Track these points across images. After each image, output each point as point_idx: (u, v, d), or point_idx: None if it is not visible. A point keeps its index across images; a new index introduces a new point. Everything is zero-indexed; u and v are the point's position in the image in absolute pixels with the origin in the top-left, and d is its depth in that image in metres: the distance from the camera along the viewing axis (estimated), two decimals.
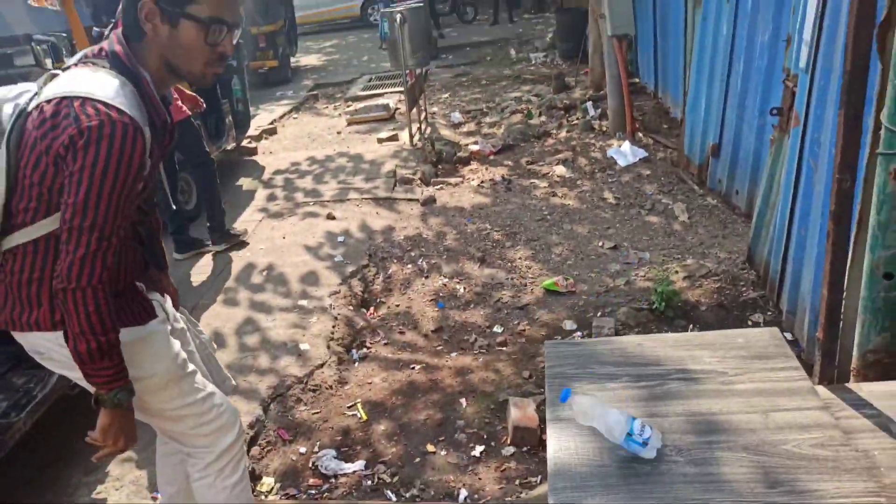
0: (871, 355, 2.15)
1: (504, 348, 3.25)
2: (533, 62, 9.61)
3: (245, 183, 5.71)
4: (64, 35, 3.03)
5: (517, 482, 2.39)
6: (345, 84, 9.52)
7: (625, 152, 5.33)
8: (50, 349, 1.54)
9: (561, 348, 1.99)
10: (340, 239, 4.37)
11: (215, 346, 2.28)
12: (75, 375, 1.54)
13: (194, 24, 1.43)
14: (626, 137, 5.54)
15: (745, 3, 3.96)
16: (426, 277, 3.93)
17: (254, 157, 6.42)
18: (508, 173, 5.37)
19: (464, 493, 2.37)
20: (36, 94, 1.48)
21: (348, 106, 8.09)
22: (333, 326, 3.41)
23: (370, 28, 14.13)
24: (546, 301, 3.60)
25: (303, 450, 2.64)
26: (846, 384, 1.88)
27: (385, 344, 3.38)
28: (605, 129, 5.93)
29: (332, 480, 2.49)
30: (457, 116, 7.08)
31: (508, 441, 2.59)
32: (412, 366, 3.15)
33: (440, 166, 5.63)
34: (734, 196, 4.39)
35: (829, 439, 1.48)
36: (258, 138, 7.04)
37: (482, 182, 5.26)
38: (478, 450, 2.57)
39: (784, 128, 3.30)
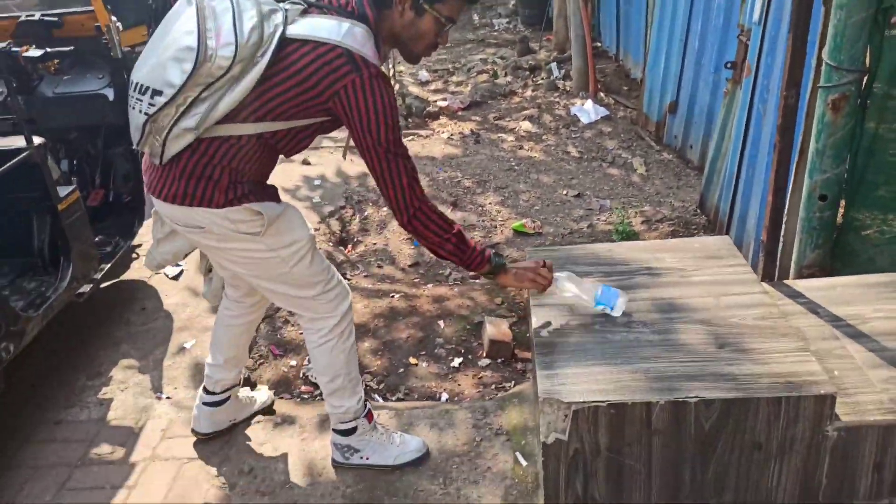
0: (805, 270, 2.46)
1: (477, 281, 3.48)
2: (496, 27, 9.76)
3: None
4: None
5: (493, 387, 2.64)
6: None
7: (587, 110, 5.58)
8: (213, 223, 1.76)
9: (541, 252, 2.23)
10: (317, 182, 4.52)
11: None
12: (229, 247, 1.83)
13: (434, 18, 1.74)
14: (589, 96, 5.79)
15: None
16: None
17: None
18: (477, 127, 5.57)
19: (444, 395, 2.60)
20: (286, 19, 1.65)
21: None
22: None
23: None
24: (515, 241, 3.84)
25: (293, 363, 2.83)
26: (784, 281, 2.17)
27: (365, 276, 3.57)
28: (568, 88, 6.18)
29: None
30: (424, 75, 7.22)
31: (484, 354, 2.83)
32: (392, 294, 3.35)
33: (410, 120, 5.79)
34: (689, 151, 4.70)
35: (769, 314, 1.75)
36: None
37: (452, 135, 5.45)
38: (456, 361, 2.81)
39: (737, 79, 3.59)
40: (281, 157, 1.87)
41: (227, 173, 1.72)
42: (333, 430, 2.13)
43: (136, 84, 1.69)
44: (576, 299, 1.82)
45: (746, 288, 1.88)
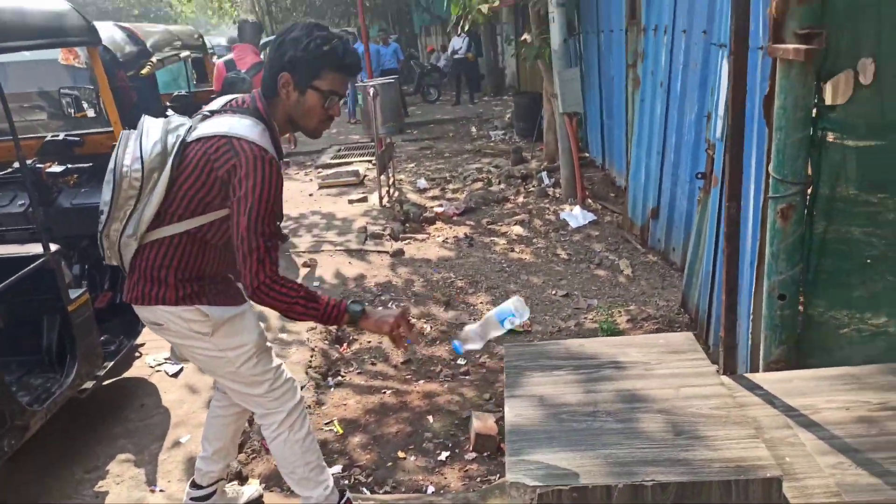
0: (773, 365, 2.60)
1: (467, 377, 3.60)
2: (493, 139, 10.33)
3: None
4: (90, 88, 3.44)
5: (478, 480, 2.71)
6: (315, 153, 10.05)
7: (576, 216, 5.88)
8: (169, 320, 1.96)
9: (517, 348, 2.37)
10: (316, 283, 4.73)
11: None
12: (186, 344, 2.02)
13: (317, 94, 1.92)
14: (577, 203, 6.10)
15: (675, 86, 4.62)
16: None
17: None
18: (470, 231, 5.85)
19: (431, 488, 2.67)
20: (191, 128, 1.92)
21: (319, 172, 8.57)
22: (311, 356, 3.72)
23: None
24: (504, 338, 3.98)
25: None
26: (744, 374, 2.31)
27: (358, 373, 3.70)
28: (558, 195, 6.51)
29: None
30: (422, 183, 7.61)
31: (471, 448, 2.92)
32: (383, 391, 3.47)
33: (407, 224, 6.08)
34: (671, 253, 4.93)
35: (724, 404, 1.88)
36: None
37: (446, 239, 5.71)
38: (444, 455, 2.89)
39: (707, 189, 3.86)
40: (283, 258, 2.07)
41: (172, 272, 1.93)
42: None
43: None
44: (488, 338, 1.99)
45: (705, 380, 2.01)
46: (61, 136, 3.42)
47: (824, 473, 1.71)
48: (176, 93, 6.58)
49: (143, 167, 1.86)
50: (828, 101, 2.28)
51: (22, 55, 3.54)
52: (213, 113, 1.97)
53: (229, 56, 6.23)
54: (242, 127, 1.87)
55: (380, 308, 2.06)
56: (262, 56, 6.04)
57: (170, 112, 5.65)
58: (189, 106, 6.23)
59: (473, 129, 11.16)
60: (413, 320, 2.06)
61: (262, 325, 2.16)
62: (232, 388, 2.14)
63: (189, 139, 1.91)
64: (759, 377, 2.19)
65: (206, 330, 1.97)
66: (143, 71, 4.59)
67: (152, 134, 1.90)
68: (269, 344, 2.16)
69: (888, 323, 2.48)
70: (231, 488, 2.47)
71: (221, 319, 1.98)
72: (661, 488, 1.62)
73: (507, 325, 1.96)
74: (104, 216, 1.91)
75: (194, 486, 2.35)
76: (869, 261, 2.47)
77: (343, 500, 2.24)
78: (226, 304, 2.02)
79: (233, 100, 2.00)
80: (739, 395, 2.07)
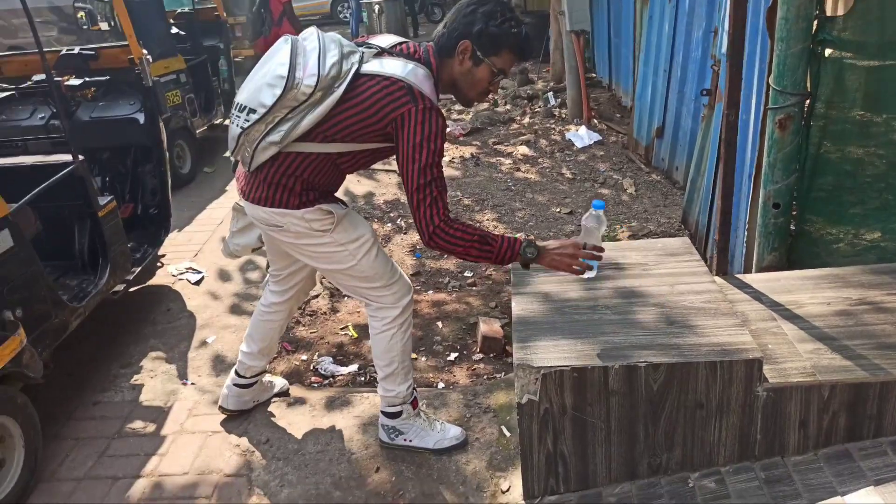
0: (764, 271, 2.75)
1: (474, 287, 3.78)
2: None
3: None
4: (105, 2, 3.48)
5: (485, 377, 2.92)
6: None
7: (581, 136, 5.93)
8: (290, 223, 2.06)
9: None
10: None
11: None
12: (304, 243, 2.12)
13: (489, 69, 1.99)
14: (583, 123, 6.15)
15: (683, 3, 4.59)
16: (404, 234, 4.45)
17: None
18: (477, 151, 5.92)
19: (441, 384, 2.88)
20: (362, 59, 1.96)
21: None
22: None
23: (340, 24, 14.60)
24: None
25: (304, 357, 3.13)
26: (734, 275, 2.46)
27: None
28: (564, 116, 6.54)
29: (331, 379, 2.98)
30: None
31: (478, 350, 3.12)
32: None
33: None
34: (675, 172, 5.02)
35: (715, 299, 2.04)
36: None
37: (453, 158, 5.79)
38: (452, 356, 3.09)
39: (712, 105, 3.92)
40: None
41: (300, 183, 2.03)
42: (382, 411, 2.39)
43: (237, 104, 2.02)
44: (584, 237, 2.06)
45: (698, 279, 2.17)
46: (76, 49, 3.48)
47: (802, 358, 1.88)
48: (179, 10, 6.53)
49: (316, 84, 1.89)
50: (829, 13, 2.34)
51: None
52: (383, 50, 2.00)
53: None
54: (418, 77, 1.92)
55: (551, 242, 2.06)
56: None
57: (174, 29, 5.61)
58: (193, 24, 6.20)
59: None
60: (588, 246, 2.02)
61: None
62: (349, 283, 2.23)
63: (363, 71, 1.94)
64: (749, 277, 2.35)
65: (327, 227, 2.07)
66: None
67: (331, 53, 1.92)
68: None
69: (879, 238, 2.62)
70: (266, 378, 2.67)
71: (342, 215, 2.09)
72: (653, 368, 1.80)
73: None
74: (255, 116, 1.93)
75: (237, 374, 2.54)
76: (867, 178, 2.58)
77: (412, 398, 2.39)
78: (338, 202, 2.13)
79: (404, 43, 2.05)
80: (730, 293, 2.23)
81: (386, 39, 2.08)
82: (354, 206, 4.81)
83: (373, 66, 1.95)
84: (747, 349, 1.80)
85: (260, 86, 1.95)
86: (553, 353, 1.86)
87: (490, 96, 2.10)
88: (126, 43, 3.27)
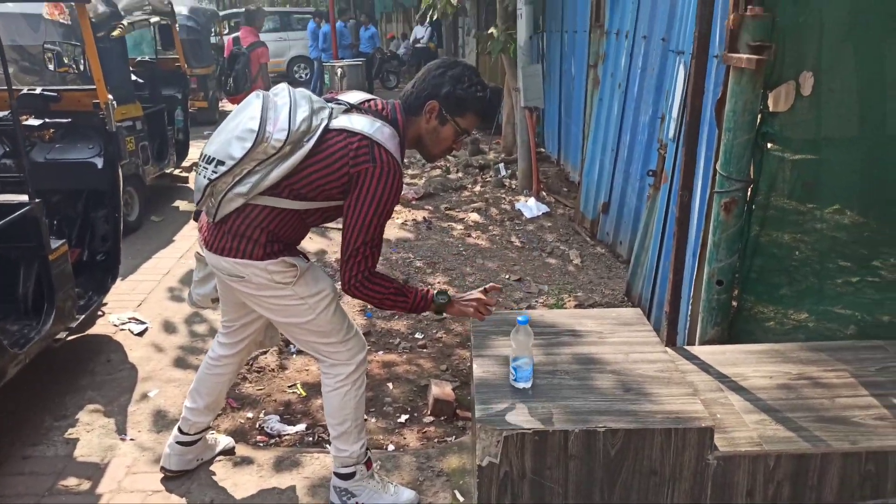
0: (707, 344, 2.88)
1: (424, 349, 3.79)
2: None
3: (181, 205, 6.06)
4: (76, 44, 3.46)
5: (436, 441, 2.90)
6: None
7: (530, 207, 6.13)
8: (252, 273, 2.06)
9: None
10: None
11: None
12: (264, 295, 2.11)
13: (453, 129, 2.10)
14: (532, 195, 6.36)
15: (633, 88, 4.90)
16: None
17: (186, 184, 6.77)
18: (429, 216, 6.03)
19: (391, 447, 2.85)
20: (331, 114, 2.01)
21: None
22: None
23: (294, 83, 14.78)
24: (460, 317, 4.19)
25: (250, 415, 3.04)
26: (683, 346, 2.57)
27: None
28: (514, 186, 6.75)
29: (277, 438, 2.91)
30: None
31: (429, 412, 3.11)
32: None
33: None
34: (619, 246, 5.22)
35: (667, 368, 2.13)
36: (189, 169, 7.39)
37: (406, 221, 5.87)
38: (403, 418, 3.07)
39: (657, 185, 4.15)
40: None
41: (265, 234, 2.04)
42: (334, 473, 2.34)
43: (205, 155, 2.04)
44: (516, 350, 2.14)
45: (650, 348, 2.26)
46: (38, 90, 3.43)
47: (749, 428, 1.97)
48: (140, 58, 6.54)
49: (286, 139, 1.93)
50: (771, 108, 2.55)
51: (5, 6, 3.51)
52: (352, 107, 2.06)
53: (236, 34, 8.58)
54: (384, 136, 1.98)
55: (459, 295, 2.19)
56: (259, 36, 8.29)
57: (133, 77, 5.61)
58: (154, 72, 6.20)
59: None
60: (493, 284, 2.27)
61: None
62: (305, 338, 2.22)
63: (331, 126, 1.99)
64: (697, 349, 2.46)
65: (289, 279, 2.06)
66: (115, 33, 4.59)
67: (301, 109, 1.97)
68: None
69: (807, 319, 2.79)
70: (210, 435, 2.58)
71: (304, 268, 2.10)
72: (611, 434, 1.85)
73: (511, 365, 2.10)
74: (223, 168, 1.96)
75: (180, 431, 2.45)
76: (795, 262, 2.77)
77: (366, 459, 2.35)
78: (301, 261, 2.13)
79: (372, 100, 2.11)
80: (680, 363, 2.32)
81: (354, 96, 2.15)
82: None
83: (341, 122, 2.01)
84: (700, 417, 1.87)
85: (230, 139, 1.98)
86: (514, 416, 1.89)
87: (451, 151, 2.21)
88: (93, 87, 3.25)
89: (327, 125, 2.00)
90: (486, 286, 2.27)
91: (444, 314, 2.20)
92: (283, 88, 2.07)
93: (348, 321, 2.27)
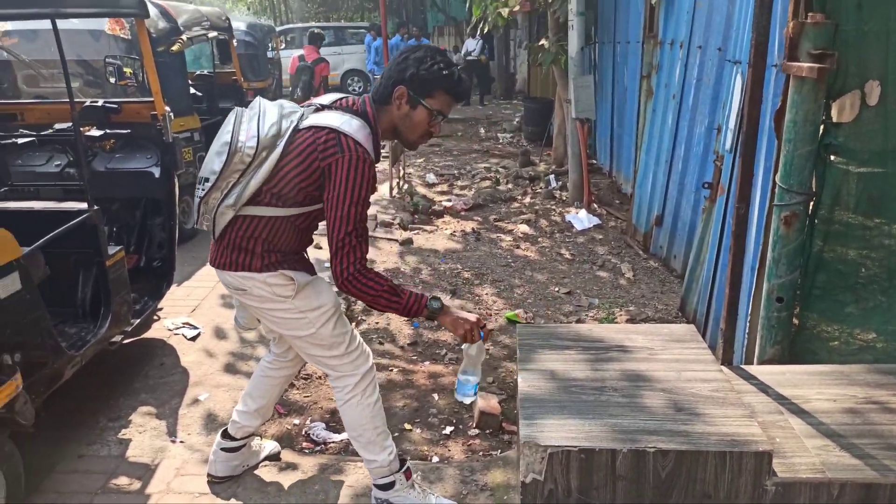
0: (766, 364, 2.76)
1: None
2: (501, 141, 10.49)
3: None
4: (135, 58, 3.59)
5: (481, 454, 2.86)
6: None
7: (581, 219, 6.04)
8: (254, 286, 2.11)
9: (530, 329, 2.54)
10: (326, 265, 4.86)
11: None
12: (267, 308, 2.15)
13: (426, 111, 2.09)
14: (583, 206, 6.27)
15: (687, 99, 4.78)
16: None
17: None
18: (478, 227, 6.00)
19: (436, 458, 2.82)
20: (303, 116, 2.07)
21: None
22: None
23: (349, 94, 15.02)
24: (507, 329, 4.14)
25: (296, 421, 3.06)
26: (740, 366, 2.47)
27: None
28: (564, 198, 6.67)
29: (322, 445, 2.92)
30: (431, 177, 7.77)
31: (474, 425, 3.07)
32: (390, 368, 3.62)
33: (417, 216, 6.23)
34: (672, 260, 5.09)
35: (722, 388, 2.04)
36: None
37: (454, 232, 5.87)
38: (448, 430, 3.04)
39: (713, 198, 4.03)
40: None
41: (260, 244, 2.08)
42: (374, 484, 2.34)
43: (199, 177, 2.12)
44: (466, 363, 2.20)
45: (705, 367, 2.17)
46: (100, 102, 3.57)
47: (811, 453, 1.87)
48: (198, 72, 6.74)
49: (257, 145, 1.99)
50: (835, 119, 2.44)
51: (69, 23, 3.67)
52: (323, 107, 2.10)
53: (301, 52, 10.33)
54: (351, 127, 2.01)
55: (457, 307, 2.20)
56: (320, 53, 9.83)
57: (192, 90, 5.79)
58: (212, 86, 6.38)
59: (482, 130, 11.32)
60: (487, 325, 2.23)
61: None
62: (309, 351, 2.25)
63: (300, 126, 2.05)
64: (755, 369, 2.36)
65: (288, 293, 2.10)
66: (174, 48, 4.74)
67: (269, 116, 2.04)
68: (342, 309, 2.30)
69: (875, 339, 2.65)
70: (256, 441, 2.61)
71: (303, 282, 2.13)
72: (661, 455, 1.78)
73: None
74: (209, 184, 2.04)
75: (226, 436, 2.47)
76: (862, 280, 2.64)
77: (404, 468, 2.34)
78: (304, 270, 2.17)
79: (343, 98, 2.15)
80: (736, 383, 2.23)
81: (328, 97, 2.18)
82: None
83: (310, 121, 2.05)
84: (757, 441, 1.79)
85: (212, 156, 2.06)
86: (560, 433, 1.84)
87: (431, 136, 2.17)
88: (151, 99, 3.35)
89: (297, 126, 2.05)
90: (484, 324, 2.21)
91: (438, 320, 2.15)
92: (256, 101, 2.12)
93: (352, 334, 2.28)
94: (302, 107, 2.14)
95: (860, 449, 1.87)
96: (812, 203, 2.58)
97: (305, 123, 2.05)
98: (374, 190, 2.04)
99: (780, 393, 2.18)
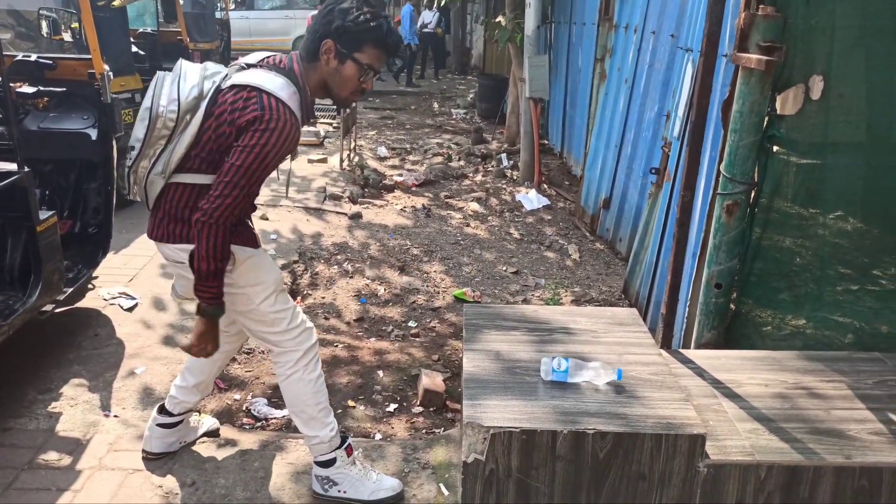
0: (703, 348, 2.84)
1: (417, 338, 3.75)
2: (454, 116, 10.44)
3: None
4: (73, 12, 3.39)
5: (424, 432, 2.87)
6: None
7: (531, 198, 6.07)
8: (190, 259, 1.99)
9: (476, 308, 2.54)
10: (273, 237, 4.77)
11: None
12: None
13: (355, 65, 2.00)
14: (533, 186, 6.31)
15: (639, 84, 4.83)
16: (350, 278, 4.40)
17: None
18: (428, 203, 5.97)
19: (378, 436, 2.82)
20: (226, 76, 1.98)
21: None
22: None
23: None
24: (455, 307, 4.15)
25: (237, 397, 3.01)
26: (679, 349, 2.53)
27: None
28: (515, 177, 6.70)
29: (264, 421, 2.87)
30: (383, 151, 7.68)
31: (418, 403, 3.07)
32: (335, 344, 3.59)
33: (367, 190, 6.16)
34: (618, 243, 5.18)
35: (660, 371, 2.09)
36: None
37: (404, 207, 5.82)
38: (392, 407, 3.04)
39: (660, 183, 4.10)
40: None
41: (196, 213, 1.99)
42: (314, 461, 2.31)
43: (126, 146, 2.04)
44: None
45: (645, 350, 2.22)
46: (33, 57, 3.37)
47: (741, 437, 1.94)
48: (141, 30, 6.44)
49: (178, 109, 1.92)
50: (779, 111, 2.50)
51: None
52: (248, 66, 2.02)
53: (313, 13, 9.77)
54: (275, 84, 1.93)
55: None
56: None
57: (134, 48, 5.55)
58: (155, 45, 6.12)
59: (436, 105, 11.24)
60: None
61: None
62: (250, 326, 2.20)
63: (223, 87, 1.97)
64: (691, 353, 2.42)
65: (228, 267, 2.02)
66: (115, 3, 4.51)
67: (190, 78, 1.96)
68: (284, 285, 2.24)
69: (805, 325, 2.75)
70: (193, 417, 2.55)
71: (244, 257, 2.06)
72: (600, 436, 1.81)
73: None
74: (135, 152, 1.98)
75: (163, 412, 2.41)
76: (796, 267, 2.73)
77: (345, 445, 2.31)
78: (245, 244, 2.09)
79: (269, 57, 2.06)
80: (674, 367, 2.28)
81: (255, 56, 2.11)
82: (301, 245, 4.75)
83: (233, 80, 1.98)
84: (692, 424, 1.84)
85: (137, 124, 2.00)
86: (503, 414, 1.86)
87: (364, 92, 2.10)
88: (88, 56, 3.18)
89: (219, 86, 1.99)
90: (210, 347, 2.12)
91: (197, 316, 2.05)
92: (178, 64, 2.05)
93: (294, 310, 2.23)
94: (227, 69, 2.06)
95: (787, 433, 1.94)
96: (753, 192, 2.65)
97: (228, 83, 1.97)
98: (290, 151, 1.98)
99: (715, 377, 2.24)
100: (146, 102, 1.97)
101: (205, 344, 2.06)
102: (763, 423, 1.99)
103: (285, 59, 2.05)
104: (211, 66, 2.04)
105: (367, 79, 2.05)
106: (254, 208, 2.20)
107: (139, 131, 1.97)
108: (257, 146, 1.88)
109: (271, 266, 2.20)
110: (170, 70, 2.07)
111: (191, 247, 2.00)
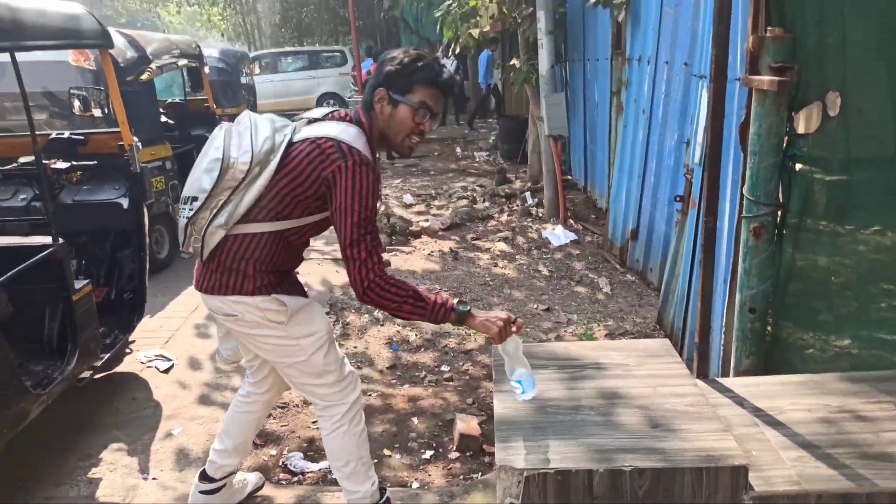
0: (742, 375, 2.76)
1: (450, 383, 3.72)
2: (477, 159, 10.53)
3: None
4: (101, 89, 3.56)
5: (461, 477, 2.82)
6: None
7: (558, 235, 6.06)
8: (245, 310, 2.03)
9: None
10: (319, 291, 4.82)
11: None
12: (258, 334, 2.09)
13: (408, 108, 2.02)
14: (560, 222, 6.29)
15: (656, 113, 4.84)
16: (381, 326, 4.41)
17: None
18: (455, 246, 5.99)
19: (416, 484, 2.78)
20: (295, 130, 2.03)
21: None
22: None
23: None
24: (487, 348, 4.12)
25: (273, 452, 3.00)
26: (715, 378, 2.46)
27: None
28: (541, 215, 6.70)
29: (300, 476, 2.86)
30: (409, 198, 7.76)
31: (454, 448, 3.03)
32: (369, 393, 3.57)
33: (394, 237, 6.21)
34: (649, 273, 5.11)
35: (697, 402, 2.03)
36: None
37: (432, 252, 5.85)
38: (427, 454, 3.00)
39: (685, 211, 4.05)
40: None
41: (251, 265, 2.01)
42: None
43: (183, 197, 2.05)
44: (509, 364, 2.09)
45: (680, 381, 2.16)
46: (66, 134, 3.52)
47: (786, 465, 1.86)
48: (170, 100, 6.70)
49: (251, 160, 1.94)
50: (798, 130, 2.47)
51: (32, 55, 3.63)
52: (314, 120, 2.07)
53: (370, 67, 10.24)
54: (349, 134, 1.97)
55: (483, 310, 2.08)
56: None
57: (163, 118, 5.77)
58: (183, 113, 6.35)
59: (458, 150, 11.37)
60: (518, 319, 2.08)
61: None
62: (297, 380, 2.18)
63: (294, 139, 2.00)
64: (729, 381, 2.35)
65: (281, 319, 2.03)
66: (143, 77, 4.71)
67: (262, 130, 1.99)
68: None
69: (850, 345, 2.66)
70: (238, 476, 2.54)
71: (297, 308, 2.06)
72: (638, 473, 1.76)
73: (512, 383, 2.08)
74: (198, 203, 1.97)
75: (205, 478, 2.39)
76: (835, 287, 2.66)
77: (384, 498, 2.28)
78: (297, 294, 2.10)
79: (335, 111, 2.11)
80: (711, 397, 2.22)
81: (319, 111, 2.15)
82: (332, 296, 4.79)
83: (304, 133, 2.01)
84: (733, 456, 1.78)
85: (199, 174, 2.00)
86: (536, 455, 1.82)
87: (423, 135, 2.08)
88: (117, 129, 3.31)
89: (291, 139, 2.01)
90: (513, 317, 2.11)
91: (467, 324, 2.03)
92: (244, 115, 2.07)
93: (342, 361, 2.23)
94: (293, 122, 2.09)
95: (835, 459, 1.86)
96: (780, 213, 2.61)
97: (299, 136, 2.01)
98: (378, 197, 1.98)
99: (755, 405, 2.17)
100: (214, 154, 1.97)
101: (497, 329, 2.00)
102: (808, 450, 1.92)
103: (351, 112, 2.09)
104: (278, 120, 2.07)
105: (423, 120, 2.04)
106: (301, 259, 2.19)
107: (205, 182, 1.96)
108: (356, 191, 1.89)
109: (322, 315, 2.19)
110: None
111: (242, 298, 2.01)
